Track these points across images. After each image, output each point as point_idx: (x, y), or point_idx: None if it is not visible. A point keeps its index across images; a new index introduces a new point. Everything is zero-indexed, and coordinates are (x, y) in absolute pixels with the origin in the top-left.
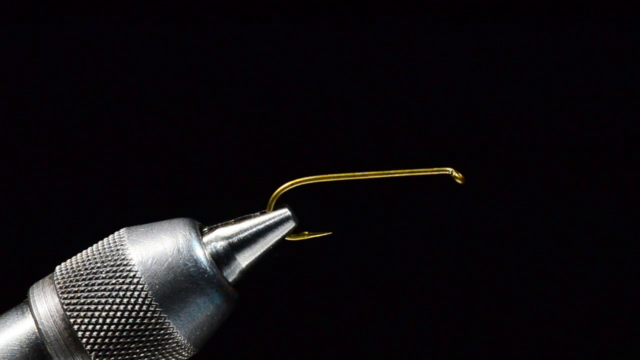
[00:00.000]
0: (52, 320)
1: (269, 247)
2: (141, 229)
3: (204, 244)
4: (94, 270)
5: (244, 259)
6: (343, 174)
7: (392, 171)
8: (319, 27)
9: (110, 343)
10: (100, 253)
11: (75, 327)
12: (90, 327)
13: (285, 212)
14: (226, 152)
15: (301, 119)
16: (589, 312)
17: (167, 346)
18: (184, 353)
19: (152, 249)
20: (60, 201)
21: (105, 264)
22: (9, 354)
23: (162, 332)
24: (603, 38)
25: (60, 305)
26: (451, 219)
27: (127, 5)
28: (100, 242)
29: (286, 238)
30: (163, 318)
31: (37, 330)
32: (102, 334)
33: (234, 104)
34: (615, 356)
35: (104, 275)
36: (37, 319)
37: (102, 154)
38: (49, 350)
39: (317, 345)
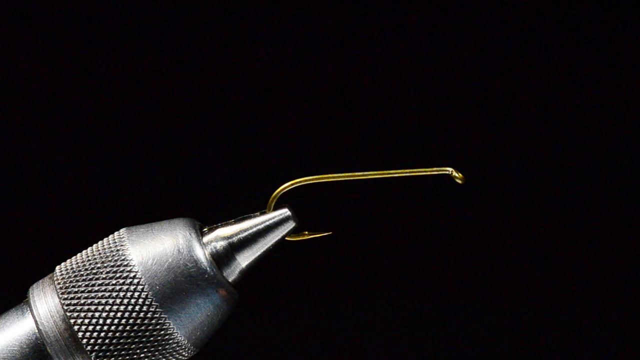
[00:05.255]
0: (52, 321)
1: (269, 247)
2: (141, 229)
3: (204, 244)
4: (94, 271)
5: (244, 259)
6: (343, 174)
7: (392, 171)
8: (318, 27)
9: (110, 343)
10: (100, 253)
11: (76, 327)
12: (90, 327)
13: (285, 212)
14: (226, 152)
15: (301, 119)
16: (589, 312)
17: (167, 346)
18: (184, 353)
19: (152, 249)
20: (60, 201)
21: (105, 264)
22: (9, 355)
23: (162, 332)
24: (605, 37)
25: (61, 306)
26: (451, 219)
27: (124, 4)
28: (100, 242)
29: (286, 238)
30: (163, 319)
31: (37, 331)
32: (102, 334)
33: (234, 104)
34: (615, 356)
35: (104, 276)
36: (37, 319)
37: (102, 154)
38: (49, 350)
39: (317, 345)
